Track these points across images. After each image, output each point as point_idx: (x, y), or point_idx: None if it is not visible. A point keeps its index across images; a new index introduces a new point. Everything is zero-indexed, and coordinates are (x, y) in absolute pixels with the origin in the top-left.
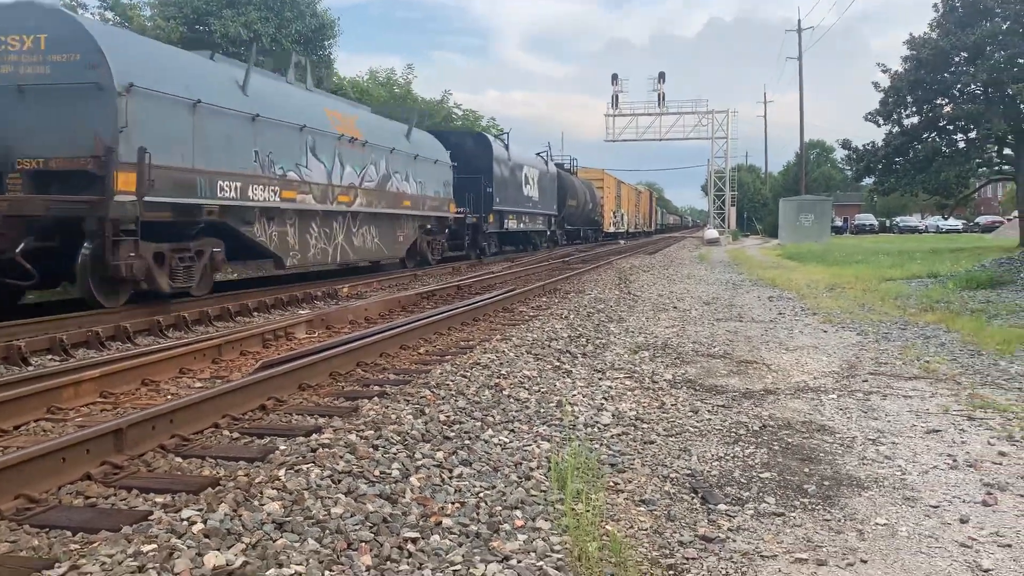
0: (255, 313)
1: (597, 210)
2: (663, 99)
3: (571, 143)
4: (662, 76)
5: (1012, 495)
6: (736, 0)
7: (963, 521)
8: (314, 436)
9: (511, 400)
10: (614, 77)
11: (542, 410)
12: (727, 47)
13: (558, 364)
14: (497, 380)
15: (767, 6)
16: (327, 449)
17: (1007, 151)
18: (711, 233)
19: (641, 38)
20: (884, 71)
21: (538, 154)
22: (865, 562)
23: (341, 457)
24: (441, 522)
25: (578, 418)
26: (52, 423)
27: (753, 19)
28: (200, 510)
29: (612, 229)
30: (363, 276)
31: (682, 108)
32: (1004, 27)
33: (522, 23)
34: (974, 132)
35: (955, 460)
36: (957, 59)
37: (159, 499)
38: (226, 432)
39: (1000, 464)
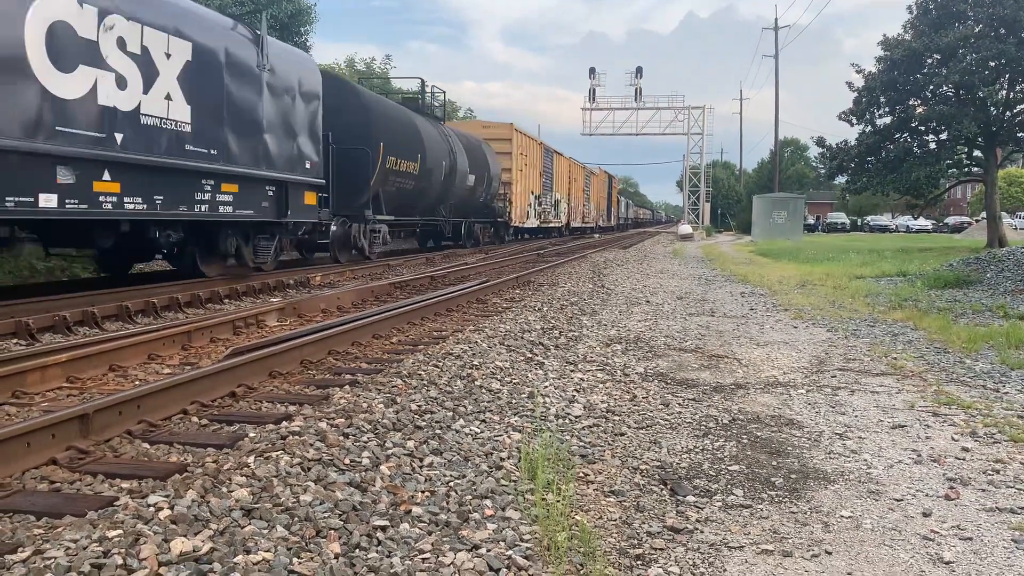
0: (226, 300)
1: (494, 190)
2: (640, 94)
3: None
4: (639, 71)
5: (974, 490)
6: None
7: (926, 515)
8: (284, 424)
9: (483, 391)
10: (591, 71)
11: (514, 401)
12: (703, 43)
13: (531, 356)
14: (469, 371)
15: (743, 4)
16: (297, 437)
17: (977, 153)
18: (685, 229)
19: (618, 33)
20: (858, 71)
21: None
22: (830, 554)
23: (311, 445)
24: (411, 510)
25: (549, 409)
26: (17, 407)
27: (729, 16)
28: (167, 496)
29: (531, 223)
30: (334, 266)
31: (659, 103)
32: (976, 30)
33: (499, 14)
34: (945, 133)
35: (919, 455)
36: (930, 61)
37: (125, 485)
38: (195, 418)
39: (963, 459)
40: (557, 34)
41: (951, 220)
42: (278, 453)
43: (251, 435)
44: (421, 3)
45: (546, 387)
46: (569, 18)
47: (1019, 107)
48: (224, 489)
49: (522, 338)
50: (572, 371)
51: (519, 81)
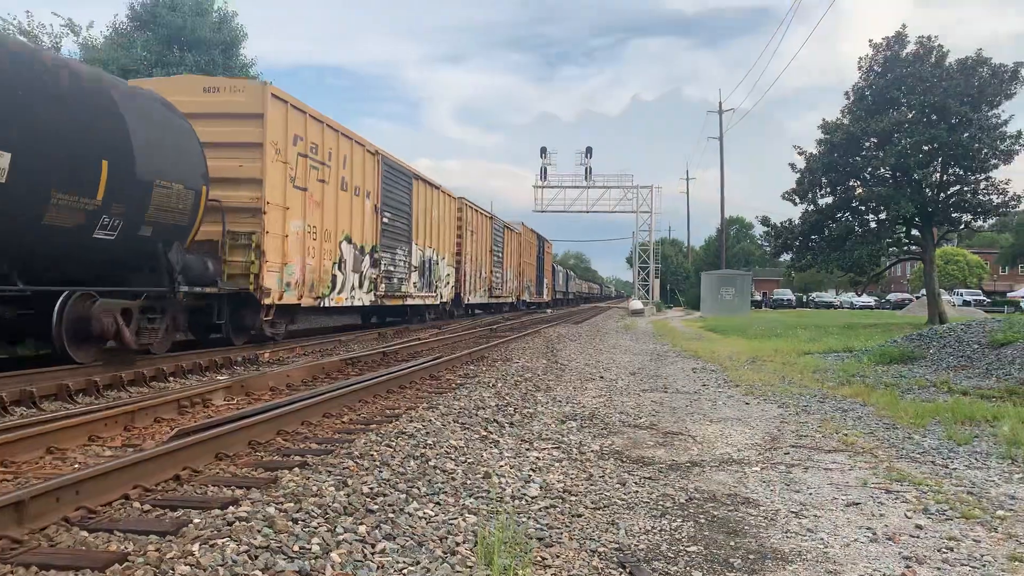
0: (171, 378)
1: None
2: (590, 173)
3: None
4: (589, 151)
5: (930, 568)
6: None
7: None
8: (231, 508)
9: (437, 471)
10: (543, 150)
11: (469, 481)
12: (650, 125)
13: (485, 434)
14: (423, 450)
15: (688, 87)
16: (244, 522)
17: (915, 232)
18: (636, 304)
19: (568, 114)
20: (800, 153)
21: None
22: None
23: (259, 531)
24: None
25: (505, 490)
26: None
27: (674, 99)
28: None
29: (325, 297)
30: (282, 343)
31: (608, 182)
32: (910, 116)
33: (451, 94)
34: (884, 213)
35: (875, 533)
36: (867, 144)
37: None
38: (137, 504)
39: (917, 537)
40: (509, 113)
41: (893, 297)
42: (224, 540)
43: (196, 521)
44: (375, 81)
45: (501, 467)
46: (521, 97)
47: (952, 189)
48: None
49: (476, 415)
50: (528, 449)
51: (472, 158)
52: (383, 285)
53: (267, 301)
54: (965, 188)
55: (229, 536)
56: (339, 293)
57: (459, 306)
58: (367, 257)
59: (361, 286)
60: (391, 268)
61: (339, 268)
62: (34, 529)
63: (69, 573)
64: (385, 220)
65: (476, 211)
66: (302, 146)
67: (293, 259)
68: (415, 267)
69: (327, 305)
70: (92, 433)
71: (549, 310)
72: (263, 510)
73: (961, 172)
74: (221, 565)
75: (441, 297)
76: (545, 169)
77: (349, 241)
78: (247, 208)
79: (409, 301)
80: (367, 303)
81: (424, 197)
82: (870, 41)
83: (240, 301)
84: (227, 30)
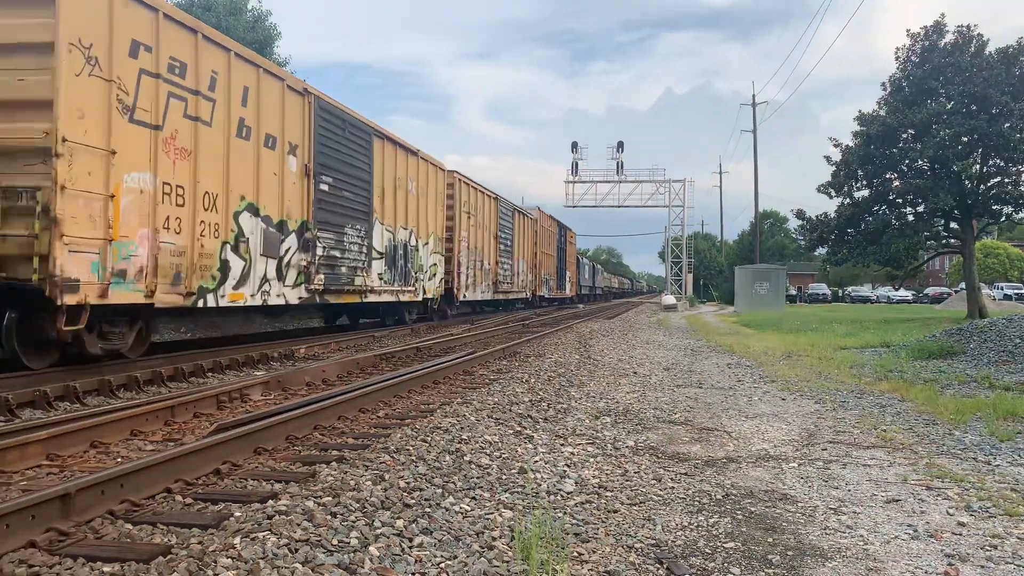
0: (209, 374)
1: None
2: (621, 167)
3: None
4: (620, 145)
5: (973, 566)
6: (688, 75)
7: None
8: (270, 502)
9: (472, 466)
10: (574, 145)
11: (504, 477)
12: (682, 118)
13: (519, 429)
14: (458, 445)
15: (719, 81)
16: (284, 516)
17: (953, 225)
18: (668, 299)
19: (597, 108)
20: (836, 145)
21: None
22: None
23: (298, 525)
24: None
25: (541, 485)
26: None
27: (705, 93)
28: None
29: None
30: (320, 336)
31: (640, 176)
32: (948, 107)
33: (481, 91)
34: (922, 206)
35: (916, 530)
36: (905, 136)
37: (107, 568)
38: (179, 497)
39: (960, 535)
40: (538, 109)
41: (931, 291)
42: (264, 533)
43: (237, 514)
44: (403, 79)
45: (536, 462)
46: (551, 93)
47: (993, 180)
48: (209, 572)
49: (510, 411)
50: (562, 445)
51: (502, 154)
52: (321, 276)
53: (71, 300)
54: (1006, 180)
55: (269, 530)
56: (237, 287)
57: (452, 303)
58: (292, 237)
59: (282, 277)
60: (336, 254)
61: (235, 251)
62: (80, 522)
63: (115, 565)
64: (323, 188)
65: (475, 189)
66: (150, 61)
67: (131, 233)
68: (380, 253)
69: (216, 304)
70: (134, 428)
71: (581, 305)
72: (302, 504)
73: (1002, 163)
74: (262, 558)
75: (424, 292)
76: (576, 164)
77: (255, 213)
78: (29, 149)
79: (370, 298)
80: (293, 301)
81: (395, 163)
82: (907, 31)
83: (32, 302)
84: (261, 29)
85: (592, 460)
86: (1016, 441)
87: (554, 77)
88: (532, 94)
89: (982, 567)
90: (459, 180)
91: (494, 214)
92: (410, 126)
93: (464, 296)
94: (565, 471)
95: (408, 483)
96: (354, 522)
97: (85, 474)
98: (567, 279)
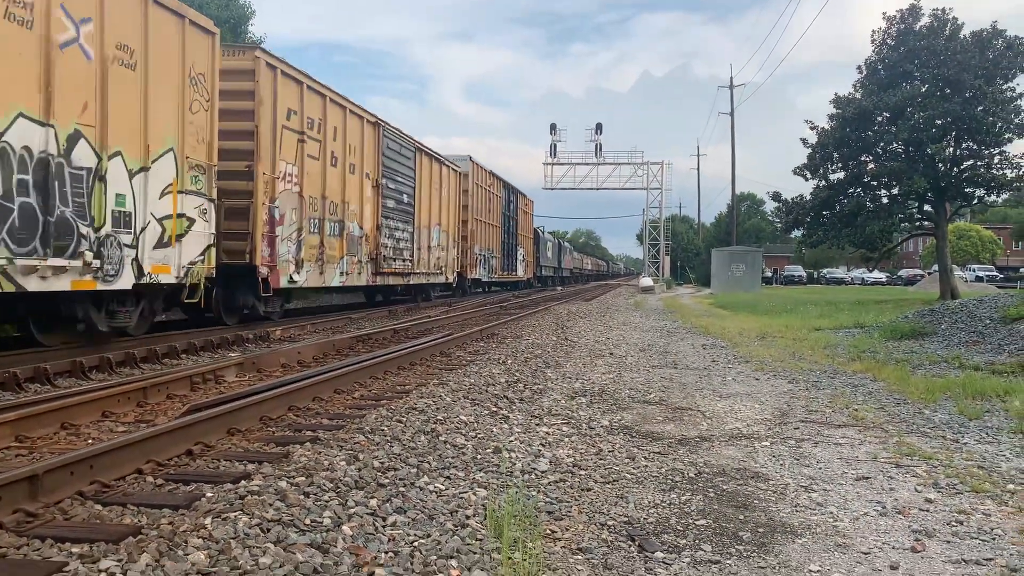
0: (183, 355)
1: None
2: (600, 149)
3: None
4: (599, 127)
5: (939, 542)
6: (667, 56)
7: (893, 567)
8: (243, 483)
9: (447, 446)
10: (552, 127)
11: (479, 456)
12: (660, 101)
13: (495, 409)
14: (433, 425)
15: (697, 63)
16: (256, 496)
17: (927, 207)
18: (646, 281)
19: (577, 90)
20: (812, 128)
21: None
22: None
23: (271, 505)
24: (374, 572)
25: (515, 464)
26: None
27: (684, 75)
28: (120, 560)
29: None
30: (295, 319)
31: (619, 159)
32: (923, 90)
33: (461, 71)
34: (896, 188)
35: (884, 507)
36: (880, 119)
37: (76, 549)
38: (150, 478)
39: (927, 511)
40: (517, 90)
41: (904, 273)
42: (236, 514)
43: (208, 495)
44: (382, 59)
45: (511, 442)
46: (530, 74)
47: (966, 163)
48: (180, 552)
49: (486, 391)
50: (537, 425)
51: (481, 136)
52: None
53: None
54: (979, 163)
55: (241, 510)
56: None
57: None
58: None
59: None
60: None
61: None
62: (48, 503)
63: (83, 546)
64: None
65: (321, 95)
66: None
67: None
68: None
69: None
70: (105, 409)
71: (559, 288)
72: (275, 484)
73: (975, 146)
74: (234, 538)
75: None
76: (555, 146)
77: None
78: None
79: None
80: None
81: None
82: (884, 14)
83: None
84: (235, 7)
85: (567, 440)
86: (984, 420)
87: (533, 58)
88: (512, 75)
89: (948, 542)
90: (263, 63)
91: (372, 146)
92: (387, 106)
93: (283, 282)
94: (540, 450)
95: (382, 463)
96: (327, 502)
97: (54, 455)
98: (519, 257)
